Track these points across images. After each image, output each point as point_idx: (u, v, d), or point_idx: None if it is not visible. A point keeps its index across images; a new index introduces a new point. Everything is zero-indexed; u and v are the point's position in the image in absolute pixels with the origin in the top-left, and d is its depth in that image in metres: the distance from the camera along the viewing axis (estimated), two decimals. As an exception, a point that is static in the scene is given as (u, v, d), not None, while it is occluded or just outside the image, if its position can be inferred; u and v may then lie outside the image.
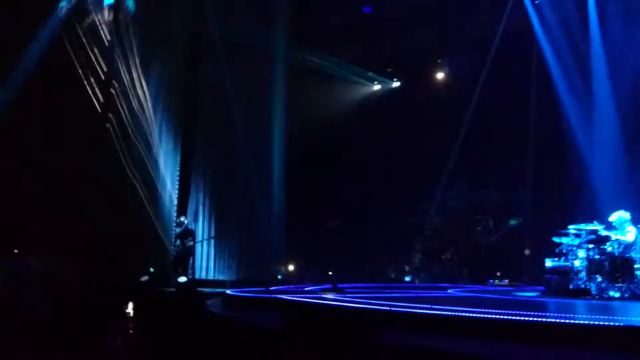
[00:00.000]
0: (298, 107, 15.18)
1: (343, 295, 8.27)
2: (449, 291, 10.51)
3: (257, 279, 12.69)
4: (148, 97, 13.26)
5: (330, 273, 11.05)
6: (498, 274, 13.96)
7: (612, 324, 4.42)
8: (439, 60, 16.61)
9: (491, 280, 13.42)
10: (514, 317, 4.90)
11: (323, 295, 8.13)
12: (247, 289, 9.53)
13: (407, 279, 14.66)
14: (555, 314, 5.17)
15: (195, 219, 14.19)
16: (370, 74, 17.20)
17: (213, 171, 14.93)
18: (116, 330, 6.49)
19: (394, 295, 8.28)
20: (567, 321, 4.56)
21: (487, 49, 14.50)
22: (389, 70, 17.27)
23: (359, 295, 8.08)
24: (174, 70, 13.92)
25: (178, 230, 11.74)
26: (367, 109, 17.04)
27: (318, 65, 16.00)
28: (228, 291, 9.27)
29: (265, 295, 8.29)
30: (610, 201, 10.45)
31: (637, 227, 9.00)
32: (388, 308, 5.92)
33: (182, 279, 10.79)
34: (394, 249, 15.58)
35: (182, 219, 11.89)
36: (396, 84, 17.51)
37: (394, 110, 16.43)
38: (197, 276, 13.37)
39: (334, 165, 16.10)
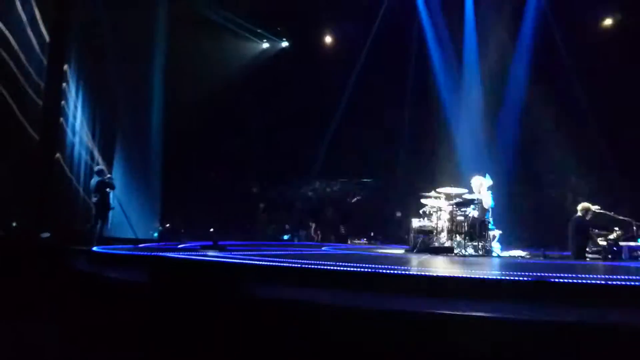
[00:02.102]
0: (182, 57, 14.45)
1: (224, 252, 8.20)
2: (323, 249, 10.94)
3: (137, 238, 12.14)
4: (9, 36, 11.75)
5: (211, 230, 10.90)
6: (371, 234, 14.79)
7: (469, 276, 4.94)
8: (327, 24, 16.73)
9: (353, 239, 14.31)
10: (383, 270, 5.22)
11: (205, 253, 7.99)
12: (116, 246, 9.05)
13: (286, 237, 14.98)
14: (420, 268, 5.63)
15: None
16: (259, 31, 16.80)
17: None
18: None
19: (274, 252, 8.38)
20: (433, 274, 5.00)
21: (373, 16, 14.91)
22: (278, 29, 17.01)
23: (239, 252, 8.05)
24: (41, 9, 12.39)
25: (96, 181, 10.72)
26: (255, 66, 16.74)
27: (205, 16, 15.24)
28: (95, 248, 8.74)
29: (134, 252, 7.95)
30: (471, 167, 11.47)
31: (490, 192, 9.98)
32: (264, 263, 5.98)
33: (45, 234, 9.95)
34: (274, 208, 15.77)
35: (100, 168, 10.98)
36: (285, 44, 17.32)
37: (282, 70, 16.32)
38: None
39: (216, 122, 15.66)
